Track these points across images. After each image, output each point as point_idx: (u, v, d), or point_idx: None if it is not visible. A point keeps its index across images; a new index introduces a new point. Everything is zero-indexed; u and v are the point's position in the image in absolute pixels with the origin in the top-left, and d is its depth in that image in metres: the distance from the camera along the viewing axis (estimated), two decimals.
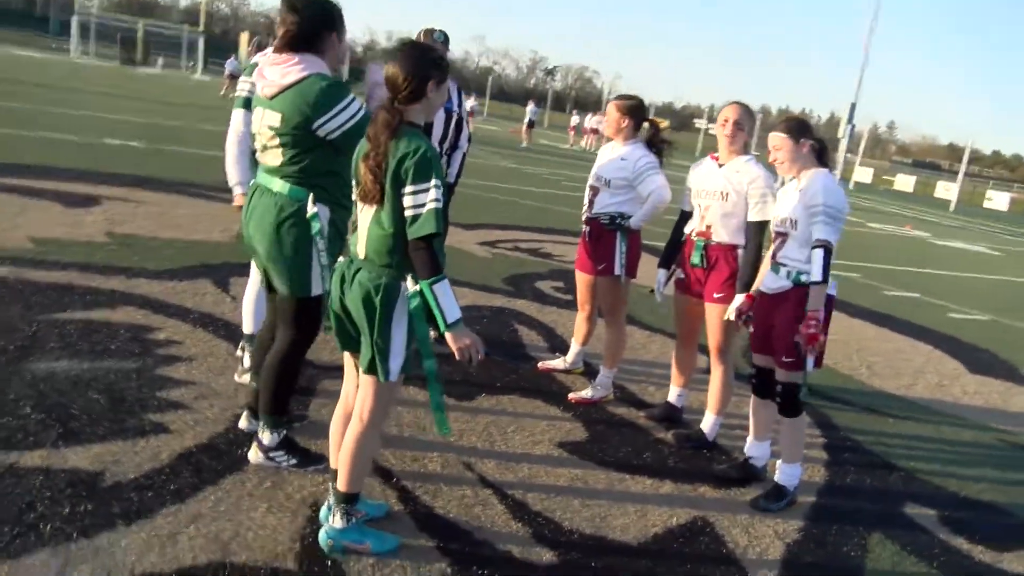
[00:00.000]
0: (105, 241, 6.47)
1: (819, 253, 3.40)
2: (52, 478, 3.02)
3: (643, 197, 4.42)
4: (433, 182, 2.59)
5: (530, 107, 32.85)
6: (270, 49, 3.25)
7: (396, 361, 2.72)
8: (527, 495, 3.50)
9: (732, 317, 3.94)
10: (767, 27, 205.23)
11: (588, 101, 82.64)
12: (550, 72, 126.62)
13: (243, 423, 3.64)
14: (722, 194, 4.09)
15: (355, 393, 2.88)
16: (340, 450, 2.84)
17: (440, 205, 2.60)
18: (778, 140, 3.56)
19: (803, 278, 3.54)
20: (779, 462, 3.79)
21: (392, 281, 2.66)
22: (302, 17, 3.11)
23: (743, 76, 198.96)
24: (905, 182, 52.75)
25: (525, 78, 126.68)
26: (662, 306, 5.04)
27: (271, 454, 3.36)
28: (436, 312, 2.64)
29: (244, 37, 62.29)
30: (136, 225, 7.19)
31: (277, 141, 3.10)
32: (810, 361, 3.52)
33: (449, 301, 2.64)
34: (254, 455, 3.38)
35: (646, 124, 4.51)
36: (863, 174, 47.86)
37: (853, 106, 36.86)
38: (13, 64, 28.51)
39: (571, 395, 4.69)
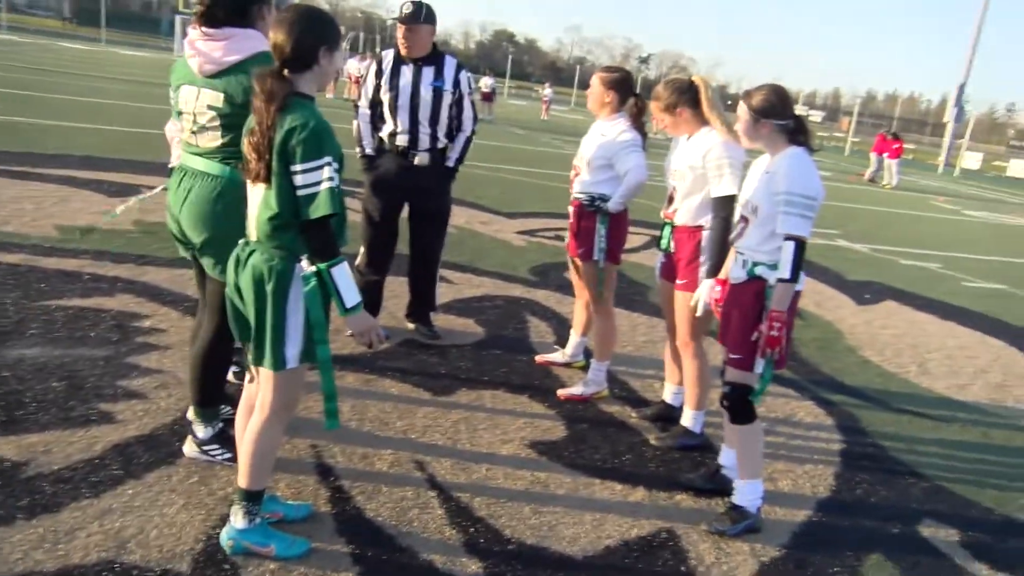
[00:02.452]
0: (129, 229, 6.54)
1: (789, 247, 2.94)
2: None
3: (620, 176, 4.08)
4: (326, 159, 2.38)
5: (547, 90, 35.91)
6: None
7: (292, 348, 2.51)
8: (474, 499, 3.24)
9: (697, 306, 3.56)
10: (871, 6, 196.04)
11: None
12: (644, 60, 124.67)
13: (190, 413, 3.51)
14: (679, 172, 3.74)
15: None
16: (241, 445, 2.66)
17: (335, 184, 2.39)
18: (739, 111, 3.15)
19: (758, 271, 3.09)
20: (735, 479, 3.35)
21: (284, 264, 2.46)
22: None
23: (846, 59, 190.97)
24: (1019, 168, 49.27)
25: (619, 66, 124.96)
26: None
27: (205, 447, 3.22)
28: (334, 297, 2.44)
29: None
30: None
31: (217, 122, 2.93)
32: (760, 361, 3.07)
33: (348, 284, 2.44)
34: (189, 448, 3.24)
35: (631, 100, 4.15)
36: (971, 159, 44.96)
37: (961, 87, 34.75)
38: (115, 62, 29.90)
39: (560, 391, 4.40)
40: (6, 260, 5.33)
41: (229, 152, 2.92)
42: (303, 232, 2.43)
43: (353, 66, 27.80)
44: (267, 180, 2.42)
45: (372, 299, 4.95)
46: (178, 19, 46.86)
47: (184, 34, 3.03)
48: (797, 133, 3.12)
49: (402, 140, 4.65)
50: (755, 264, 3.10)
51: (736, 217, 3.31)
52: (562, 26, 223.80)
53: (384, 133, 4.73)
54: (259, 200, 2.47)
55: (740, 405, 3.14)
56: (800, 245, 2.94)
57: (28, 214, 6.56)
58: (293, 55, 2.42)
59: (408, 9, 4.52)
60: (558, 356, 4.86)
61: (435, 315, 5.21)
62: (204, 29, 2.93)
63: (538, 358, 4.87)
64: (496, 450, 3.69)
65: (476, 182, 11.35)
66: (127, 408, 3.58)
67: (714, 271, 3.53)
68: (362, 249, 4.90)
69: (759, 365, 3.07)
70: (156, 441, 3.34)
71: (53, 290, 4.90)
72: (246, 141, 2.44)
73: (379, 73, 4.70)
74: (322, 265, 2.42)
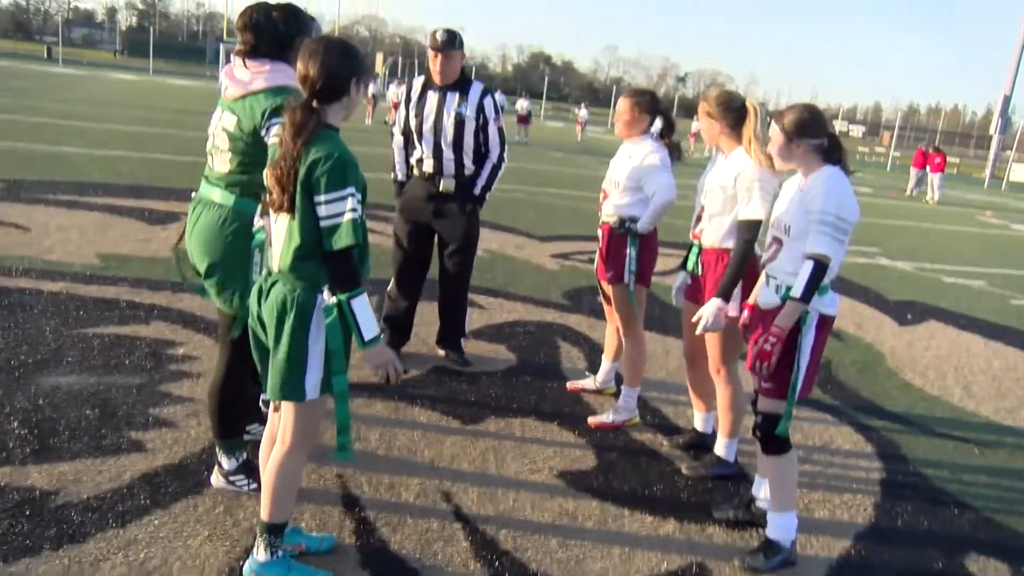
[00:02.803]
0: (168, 257, 6.64)
1: (808, 266, 2.86)
2: (3, 496, 3.00)
3: (649, 198, 4.04)
4: (349, 190, 2.39)
5: (583, 111, 35.27)
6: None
7: (312, 379, 2.51)
8: (500, 531, 3.20)
9: (698, 325, 3.49)
10: (911, 19, 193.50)
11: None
12: (681, 79, 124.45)
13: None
14: (711, 192, 3.68)
15: None
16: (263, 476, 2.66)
17: (357, 215, 2.40)
18: (772, 132, 3.09)
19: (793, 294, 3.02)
20: (769, 511, 3.24)
21: (306, 294, 2.46)
22: (276, 21, 2.99)
23: (886, 72, 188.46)
24: None
25: (655, 86, 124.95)
26: None
27: (231, 477, 3.23)
28: (353, 328, 2.44)
29: (379, 57, 64.95)
30: None
31: (227, 145, 2.98)
32: (797, 387, 2.97)
33: (367, 317, 2.44)
34: (215, 478, 3.26)
35: (659, 120, 4.11)
36: (1020, 172, 43.81)
37: (1007, 99, 34.04)
38: (162, 91, 30.68)
39: (591, 419, 4.33)
40: (49, 288, 5.45)
41: (235, 180, 2.95)
42: (325, 262, 2.44)
43: (393, 91, 28.18)
44: (291, 211, 2.43)
45: (402, 325, 4.97)
46: (222, 48, 48.12)
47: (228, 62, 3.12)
48: (832, 152, 3.04)
49: (428, 166, 4.69)
50: (788, 288, 3.02)
51: (768, 239, 3.24)
52: (598, 47, 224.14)
53: (413, 159, 4.78)
54: (283, 231, 2.48)
55: (772, 435, 3.05)
56: (821, 267, 2.85)
57: (72, 242, 6.71)
58: (325, 85, 2.44)
59: (443, 36, 4.57)
60: (589, 383, 4.80)
61: (466, 341, 5.20)
62: (246, 61, 2.99)
63: (569, 385, 4.82)
64: (524, 480, 3.64)
65: (511, 205, 11.37)
66: (157, 437, 3.61)
67: (726, 292, 3.46)
68: (393, 275, 4.92)
69: (796, 392, 2.98)
70: (184, 470, 3.36)
71: (91, 318, 4.99)
72: (269, 172, 2.46)
73: (408, 100, 4.75)
74: (342, 296, 2.42)
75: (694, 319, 3.58)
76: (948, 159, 26.60)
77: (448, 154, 4.66)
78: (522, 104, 29.17)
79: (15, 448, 3.34)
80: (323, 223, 2.40)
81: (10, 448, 3.33)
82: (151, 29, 65.60)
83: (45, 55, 55.97)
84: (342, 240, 2.38)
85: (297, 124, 2.41)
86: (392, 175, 4.95)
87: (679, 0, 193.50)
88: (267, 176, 2.48)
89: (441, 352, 5.08)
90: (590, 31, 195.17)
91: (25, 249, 6.31)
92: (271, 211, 2.52)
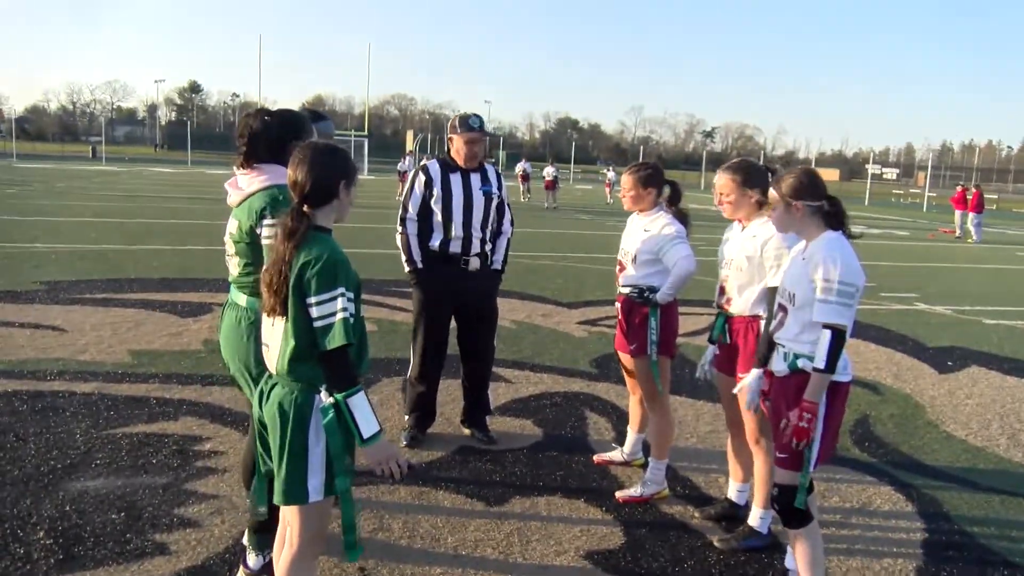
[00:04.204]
0: (198, 349, 6.76)
1: (826, 336, 2.82)
2: None
3: (669, 269, 4.03)
4: (340, 290, 2.42)
5: (610, 173, 36.56)
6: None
7: (315, 480, 2.51)
8: None
9: (743, 396, 3.42)
10: (938, 57, 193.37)
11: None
12: (708, 134, 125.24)
13: (246, 538, 3.53)
14: (736, 261, 3.66)
15: None
16: None
17: (349, 314, 2.42)
18: (771, 199, 3.08)
19: (800, 363, 2.96)
20: None
21: (304, 396, 2.48)
22: (270, 127, 3.11)
23: (916, 113, 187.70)
24: None
25: (683, 142, 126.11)
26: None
27: None
28: (352, 427, 2.44)
29: (410, 135, 66.55)
30: None
31: (233, 249, 3.09)
32: (811, 458, 2.90)
33: (365, 414, 2.44)
34: None
35: (667, 188, 4.14)
36: None
37: None
38: (200, 182, 31.64)
39: (618, 493, 4.25)
40: (81, 390, 5.56)
41: (245, 282, 3.05)
42: (320, 363, 2.46)
43: (409, 162, 29.02)
44: (284, 314, 2.47)
45: (428, 408, 4.97)
46: None
47: None
48: (832, 217, 3.03)
49: (455, 247, 4.75)
50: (796, 356, 2.97)
51: (775, 306, 3.21)
52: (624, 108, 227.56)
53: (435, 243, 4.81)
54: (279, 334, 2.52)
55: (790, 507, 2.96)
56: (838, 335, 2.81)
57: (105, 340, 6.87)
58: (313, 190, 2.50)
59: (476, 123, 4.72)
60: (617, 455, 4.73)
61: (492, 418, 5.17)
62: (245, 167, 3.10)
63: (596, 458, 4.75)
64: (549, 564, 3.56)
65: (538, 273, 11.42)
66: (181, 538, 3.62)
67: (763, 361, 3.41)
68: (413, 360, 4.94)
69: (809, 463, 2.90)
70: (207, 572, 3.35)
71: (121, 417, 5.06)
72: (262, 277, 2.51)
73: (428, 183, 4.82)
74: (339, 396, 2.43)
75: (736, 390, 3.53)
76: (986, 195, 26.08)
77: (478, 234, 4.76)
78: (548, 171, 30.04)
79: (39, 560, 3.36)
80: (316, 324, 2.43)
81: (35, 560, 3.36)
82: (188, 123, 68.19)
83: (90, 155, 58.41)
84: (335, 340, 2.40)
85: (288, 229, 2.47)
86: (406, 264, 4.89)
87: (702, 56, 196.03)
88: (262, 280, 2.53)
89: (467, 431, 5.05)
90: (615, 94, 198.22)
91: (60, 351, 6.47)
92: (265, 315, 2.56)
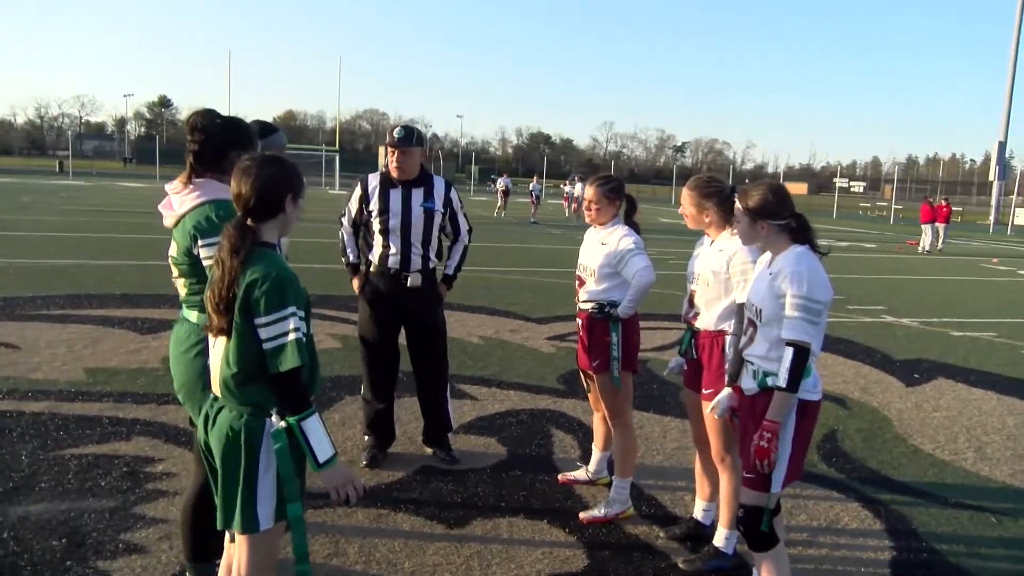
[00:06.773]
0: (156, 367, 6.57)
1: (789, 353, 2.75)
2: None
3: (629, 281, 3.97)
4: (290, 309, 2.30)
5: (572, 186, 34.49)
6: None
7: (265, 508, 2.38)
8: None
9: (715, 412, 3.35)
10: (902, 74, 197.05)
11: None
12: (679, 149, 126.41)
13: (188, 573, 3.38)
14: (703, 276, 3.61)
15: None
16: None
17: (301, 334, 2.30)
18: (736, 214, 3.02)
19: (769, 381, 2.88)
20: None
21: (254, 420, 2.36)
22: (207, 136, 2.99)
23: (882, 127, 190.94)
24: None
25: (654, 157, 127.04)
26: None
27: None
28: (306, 451, 2.31)
29: (381, 150, 66.64)
30: None
31: (176, 271, 2.97)
32: (778, 479, 2.82)
33: (320, 438, 2.32)
34: None
35: (625, 203, 4.09)
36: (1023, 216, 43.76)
37: (1002, 145, 34.28)
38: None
39: (582, 514, 4.15)
40: (31, 409, 5.36)
41: (193, 301, 2.93)
42: (271, 386, 2.34)
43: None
44: (228, 335, 2.35)
45: (385, 426, 4.85)
46: None
47: None
48: (799, 232, 2.96)
49: (393, 262, 4.65)
50: (766, 375, 2.90)
51: (744, 322, 3.14)
52: (595, 123, 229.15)
53: (374, 256, 4.72)
54: (220, 355, 2.40)
55: (756, 530, 2.88)
56: (802, 352, 2.74)
57: (60, 358, 6.66)
58: (258, 204, 2.39)
59: (400, 133, 4.59)
60: (581, 474, 4.63)
61: (455, 436, 5.06)
62: (181, 183, 2.98)
63: (560, 477, 4.65)
64: None
65: (508, 289, 11.32)
66: (126, 565, 3.46)
67: (734, 378, 3.34)
68: (364, 376, 4.84)
69: (775, 484, 2.83)
70: None
71: (71, 438, 4.88)
72: (207, 296, 2.39)
73: (365, 197, 4.73)
74: (292, 419, 2.31)
75: (708, 411, 3.47)
76: (952, 207, 26.58)
77: (417, 250, 4.66)
78: (532, 186, 31.99)
79: None
80: (266, 345, 2.30)
81: None
82: (157, 137, 67.43)
83: (57, 169, 57.54)
84: (288, 362, 2.28)
85: (233, 243, 2.35)
86: (343, 259, 4.92)
87: (672, 72, 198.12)
88: (206, 297, 2.41)
89: (429, 450, 4.93)
90: (586, 109, 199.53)
91: (10, 369, 6.26)
92: (210, 335, 2.44)
